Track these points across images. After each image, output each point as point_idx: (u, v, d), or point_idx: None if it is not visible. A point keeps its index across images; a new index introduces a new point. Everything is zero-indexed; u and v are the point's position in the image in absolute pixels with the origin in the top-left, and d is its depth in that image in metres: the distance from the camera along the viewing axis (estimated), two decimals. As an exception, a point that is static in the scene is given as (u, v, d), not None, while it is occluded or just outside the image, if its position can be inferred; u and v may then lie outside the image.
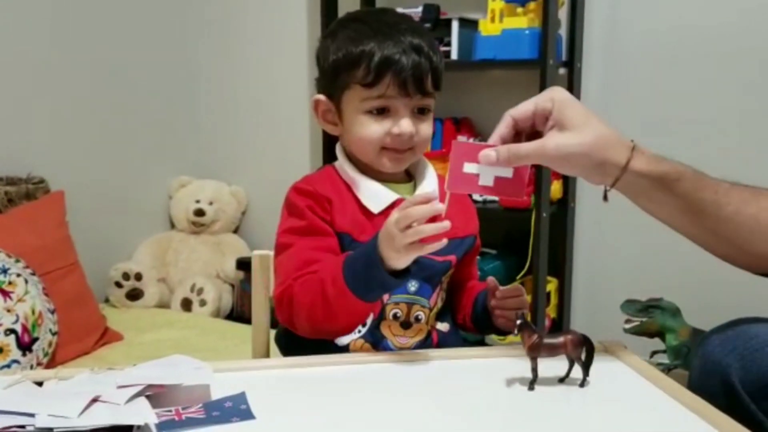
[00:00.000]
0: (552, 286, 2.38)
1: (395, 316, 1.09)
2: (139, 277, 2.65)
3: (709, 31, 2.18)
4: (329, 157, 1.18)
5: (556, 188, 2.30)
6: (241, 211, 3.03)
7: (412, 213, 0.93)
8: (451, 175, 0.96)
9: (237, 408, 0.83)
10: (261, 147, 3.01)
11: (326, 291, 1.00)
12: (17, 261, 1.94)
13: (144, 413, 0.77)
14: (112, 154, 2.71)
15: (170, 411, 0.81)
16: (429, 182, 1.14)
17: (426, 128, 1.11)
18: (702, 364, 1.01)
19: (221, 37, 3.01)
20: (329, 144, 2.28)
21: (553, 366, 0.91)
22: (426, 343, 1.11)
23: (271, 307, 1.24)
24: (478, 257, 1.28)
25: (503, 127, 0.97)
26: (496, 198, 2.16)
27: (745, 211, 0.97)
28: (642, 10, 2.28)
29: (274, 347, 1.22)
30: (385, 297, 1.08)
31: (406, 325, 1.10)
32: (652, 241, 1.85)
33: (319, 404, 0.87)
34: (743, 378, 0.95)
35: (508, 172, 0.96)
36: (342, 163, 1.14)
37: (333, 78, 1.11)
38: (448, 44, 2.30)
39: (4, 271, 1.89)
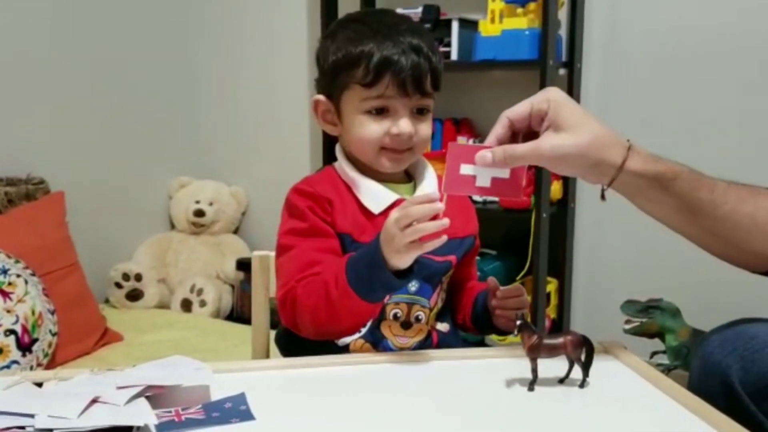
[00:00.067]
0: (552, 286, 2.38)
1: (395, 316, 1.09)
2: (139, 277, 2.65)
3: (709, 31, 2.18)
4: (329, 157, 1.18)
5: (556, 189, 2.30)
6: (241, 211, 3.03)
7: (413, 212, 0.93)
8: (448, 176, 0.96)
9: (237, 409, 0.83)
10: (261, 147, 3.01)
11: (329, 292, 1.00)
12: (17, 262, 1.94)
13: (144, 414, 0.77)
14: (112, 154, 2.72)
15: (170, 412, 0.81)
16: (429, 182, 1.15)
17: (425, 128, 1.11)
18: (702, 364, 1.01)
19: (221, 37, 3.01)
20: (329, 144, 2.28)
21: (552, 367, 0.91)
22: (426, 344, 1.11)
23: (271, 307, 1.24)
24: (477, 258, 1.28)
25: (499, 128, 0.98)
26: (496, 198, 2.16)
27: (741, 210, 0.97)
28: (642, 10, 2.28)
29: (273, 348, 1.22)
30: (386, 297, 1.08)
31: (406, 325, 1.10)
32: (651, 241, 1.85)
33: (319, 405, 0.87)
34: (743, 379, 0.95)
35: (504, 173, 0.96)
36: (342, 164, 1.14)
37: (332, 78, 1.11)
38: (448, 45, 2.30)
39: (4, 272, 1.89)
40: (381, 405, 0.87)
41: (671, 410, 0.85)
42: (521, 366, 0.91)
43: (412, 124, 1.08)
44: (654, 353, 2.04)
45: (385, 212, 1.08)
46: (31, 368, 1.86)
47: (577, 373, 0.91)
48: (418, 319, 1.11)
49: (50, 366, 1.93)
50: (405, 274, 0.99)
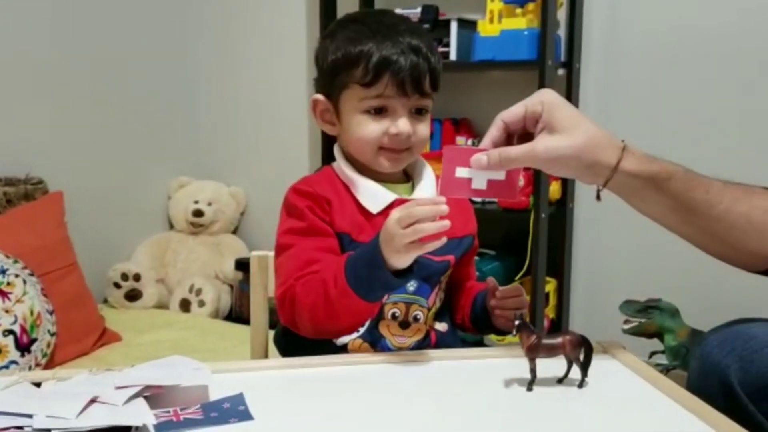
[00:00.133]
0: (551, 286, 2.38)
1: (394, 316, 1.09)
2: (137, 277, 2.65)
3: (709, 31, 2.18)
4: (328, 157, 1.18)
5: (554, 189, 2.30)
6: (240, 211, 3.03)
7: (416, 212, 0.93)
8: (444, 179, 0.96)
9: (235, 409, 0.83)
10: (260, 148, 3.01)
11: (328, 291, 1.00)
12: (16, 262, 1.94)
13: (142, 414, 0.77)
14: (111, 154, 2.71)
15: (168, 412, 0.81)
16: (427, 182, 1.15)
17: (423, 129, 1.11)
18: (701, 364, 1.02)
19: (221, 37, 3.01)
20: (328, 145, 2.27)
21: (551, 366, 0.91)
22: (424, 343, 1.11)
23: (270, 307, 1.24)
24: (476, 258, 1.28)
25: (495, 131, 0.98)
26: (495, 199, 2.16)
27: (736, 209, 0.98)
28: (641, 10, 2.28)
29: (272, 348, 1.22)
30: (384, 297, 1.08)
31: (404, 324, 1.10)
32: (650, 241, 1.85)
33: (318, 405, 0.87)
34: (742, 379, 0.95)
35: (500, 175, 0.97)
36: (340, 164, 1.14)
37: (331, 78, 1.11)
38: (447, 45, 2.30)
39: (3, 272, 1.89)
40: (380, 405, 0.87)
41: (670, 410, 0.85)
42: (520, 366, 0.91)
43: (411, 124, 1.08)
44: (653, 353, 2.04)
45: (384, 212, 1.08)
46: (30, 368, 1.86)
47: (575, 373, 0.91)
48: (416, 319, 1.11)
49: (49, 366, 1.92)
50: (404, 274, 0.99)
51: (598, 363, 0.92)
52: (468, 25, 2.32)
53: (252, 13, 2.94)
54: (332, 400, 0.88)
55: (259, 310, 1.26)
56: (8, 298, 1.87)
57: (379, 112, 1.08)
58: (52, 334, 1.97)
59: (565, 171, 0.98)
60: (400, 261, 0.96)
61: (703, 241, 1.02)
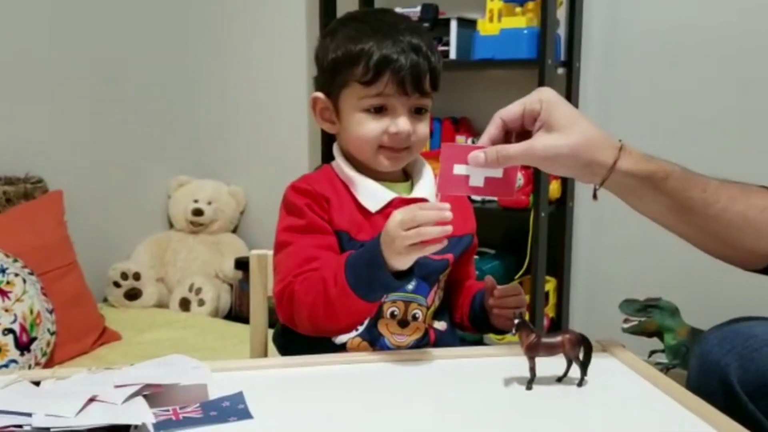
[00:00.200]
0: (550, 285, 2.38)
1: (392, 314, 1.09)
2: (137, 276, 2.64)
3: (709, 31, 2.18)
4: (328, 157, 1.18)
5: (554, 188, 2.30)
6: (239, 210, 3.03)
7: (419, 216, 0.93)
8: (442, 177, 0.97)
9: (234, 407, 0.83)
10: (260, 147, 3.01)
11: (328, 290, 1.00)
12: (15, 261, 1.94)
13: (141, 413, 0.77)
14: (111, 153, 2.71)
15: (168, 410, 0.81)
16: (426, 181, 1.15)
17: (423, 128, 1.11)
18: (700, 363, 1.02)
19: (221, 37, 3.01)
20: (328, 144, 2.27)
21: (551, 365, 0.91)
22: (423, 342, 1.11)
23: (269, 306, 1.24)
24: (476, 257, 1.28)
25: (493, 128, 0.99)
26: (492, 197, 2.16)
27: (732, 208, 0.98)
28: (641, 9, 2.28)
29: (272, 347, 1.22)
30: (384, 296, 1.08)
31: (403, 323, 1.10)
32: (650, 240, 1.84)
33: (317, 403, 0.87)
34: (741, 377, 0.95)
35: (498, 173, 0.97)
36: (339, 162, 1.14)
37: (332, 76, 1.11)
38: (447, 44, 2.30)
39: (2, 271, 1.89)
40: (379, 404, 0.87)
41: (670, 409, 0.85)
42: (519, 365, 0.91)
43: (411, 124, 1.08)
44: (652, 352, 2.04)
45: (383, 211, 1.08)
46: (30, 367, 1.86)
47: (575, 371, 0.91)
48: (415, 317, 1.11)
49: (48, 365, 1.92)
50: (404, 275, 0.99)
51: (597, 362, 0.92)
52: (468, 24, 2.32)
53: (252, 13, 2.94)
54: (331, 399, 0.88)
55: (258, 309, 1.25)
56: (8, 297, 1.87)
57: (379, 110, 1.08)
58: (51, 333, 1.97)
59: (562, 170, 0.98)
60: (401, 262, 0.96)
61: (700, 240, 1.03)
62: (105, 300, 2.64)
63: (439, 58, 1.12)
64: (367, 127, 1.08)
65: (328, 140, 2.35)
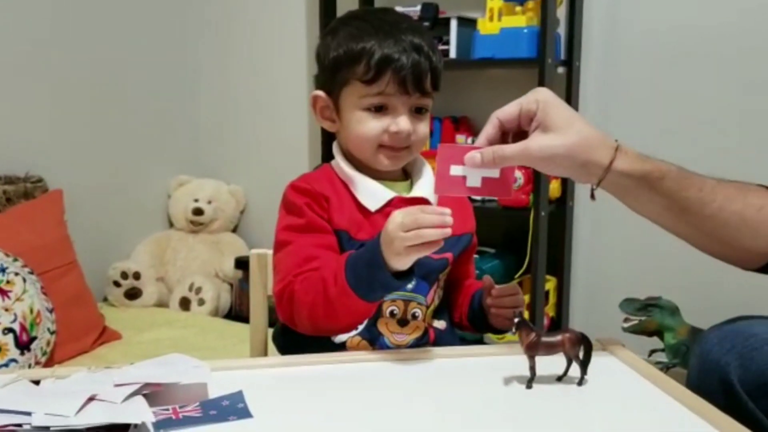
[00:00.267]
0: (551, 284, 2.38)
1: (392, 314, 1.09)
2: (137, 276, 2.64)
3: (709, 31, 2.18)
4: (328, 156, 1.18)
5: (554, 187, 2.30)
6: (239, 210, 3.03)
7: (420, 219, 0.93)
8: (439, 178, 0.97)
9: (234, 406, 0.83)
10: (260, 146, 3.01)
11: (328, 290, 1.00)
12: (15, 260, 1.94)
13: (141, 412, 0.77)
14: (111, 153, 2.71)
15: (167, 409, 0.81)
16: (425, 181, 1.15)
17: (423, 127, 1.11)
18: (700, 362, 1.02)
19: (221, 37, 3.01)
20: (328, 144, 2.27)
21: (551, 364, 0.91)
22: (423, 341, 1.11)
23: (269, 306, 1.24)
24: (476, 256, 1.28)
25: (490, 129, 0.99)
26: (490, 197, 2.16)
27: (729, 207, 0.98)
28: (641, 8, 2.28)
29: (272, 346, 1.22)
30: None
31: (402, 322, 1.10)
32: (650, 239, 1.84)
33: (317, 403, 0.87)
34: (742, 376, 0.95)
35: (494, 173, 0.97)
36: (339, 161, 1.14)
37: (332, 74, 1.11)
38: (447, 43, 2.30)
39: (2, 270, 1.89)
40: (378, 403, 0.87)
41: (670, 408, 0.85)
42: (519, 364, 0.91)
43: (411, 123, 1.08)
44: (652, 351, 2.04)
45: (382, 210, 1.08)
46: (30, 367, 1.86)
47: (575, 370, 0.91)
48: (414, 317, 1.11)
49: (48, 364, 1.92)
50: (404, 276, 0.99)
51: (597, 361, 0.92)
52: (468, 23, 2.31)
53: (252, 13, 2.94)
54: (331, 398, 0.88)
55: (258, 309, 1.25)
56: (8, 297, 1.87)
57: (380, 109, 1.08)
58: (51, 333, 1.97)
59: (559, 170, 0.98)
60: (400, 263, 0.96)
61: (698, 239, 1.03)
62: (105, 299, 2.64)
63: (440, 57, 1.12)
64: (368, 126, 1.08)
65: (327, 139, 2.35)
